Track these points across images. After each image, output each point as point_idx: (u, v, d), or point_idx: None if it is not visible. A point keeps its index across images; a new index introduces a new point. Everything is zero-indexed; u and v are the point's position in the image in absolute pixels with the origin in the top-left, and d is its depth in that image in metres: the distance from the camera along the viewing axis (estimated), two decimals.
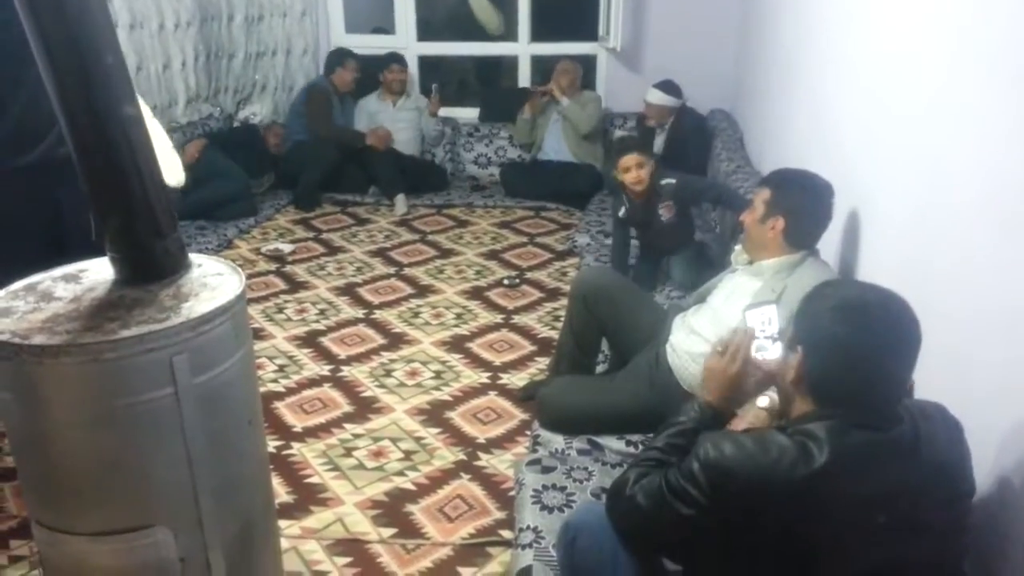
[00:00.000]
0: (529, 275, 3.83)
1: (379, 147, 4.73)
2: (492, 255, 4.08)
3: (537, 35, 5.20)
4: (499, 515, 2.19)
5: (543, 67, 5.16)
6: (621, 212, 3.18)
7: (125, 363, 1.31)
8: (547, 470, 2.04)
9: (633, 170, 2.99)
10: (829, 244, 2.35)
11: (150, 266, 1.50)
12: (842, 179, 2.33)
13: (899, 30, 2.11)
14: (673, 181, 3.03)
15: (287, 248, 4.12)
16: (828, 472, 1.15)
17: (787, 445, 1.18)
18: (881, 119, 2.20)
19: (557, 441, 2.24)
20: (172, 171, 2.42)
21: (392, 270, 3.90)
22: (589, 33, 5.06)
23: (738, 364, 1.48)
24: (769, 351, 1.50)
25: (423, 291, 3.65)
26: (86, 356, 1.30)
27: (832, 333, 1.22)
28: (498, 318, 3.38)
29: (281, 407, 2.71)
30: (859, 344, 1.20)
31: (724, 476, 1.20)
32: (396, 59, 4.93)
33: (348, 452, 2.47)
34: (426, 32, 5.34)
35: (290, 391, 2.81)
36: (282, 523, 2.13)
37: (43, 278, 1.55)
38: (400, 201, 4.69)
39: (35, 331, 1.34)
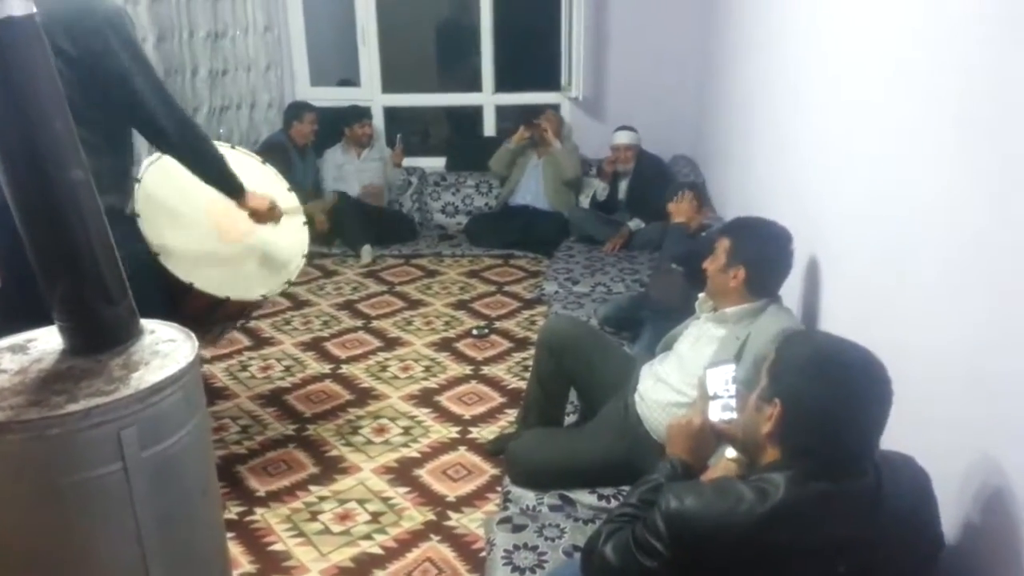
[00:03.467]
0: (498, 324, 3.80)
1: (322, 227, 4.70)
2: (461, 305, 4.05)
3: (501, 85, 5.27)
4: None
5: (507, 116, 5.23)
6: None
7: (71, 439, 1.26)
8: (518, 528, 1.99)
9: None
10: (792, 289, 2.36)
11: (100, 334, 1.46)
12: (803, 222, 2.36)
13: (860, 74, 2.15)
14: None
15: None
16: (781, 515, 1.17)
17: (745, 491, 1.21)
18: (843, 162, 2.23)
19: (528, 497, 2.19)
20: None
21: (360, 323, 3.85)
22: (552, 83, 5.14)
23: (699, 419, 1.51)
24: (730, 412, 1.50)
25: (391, 344, 3.61)
26: (30, 433, 1.25)
27: (812, 392, 1.23)
28: (467, 369, 3.34)
29: (244, 470, 2.63)
30: (838, 404, 1.21)
31: (684, 526, 1.22)
32: (365, 114, 4.97)
33: (313, 516, 2.40)
34: (391, 83, 5.38)
35: (253, 453, 2.73)
36: None
37: None
38: (366, 252, 4.67)
39: None
